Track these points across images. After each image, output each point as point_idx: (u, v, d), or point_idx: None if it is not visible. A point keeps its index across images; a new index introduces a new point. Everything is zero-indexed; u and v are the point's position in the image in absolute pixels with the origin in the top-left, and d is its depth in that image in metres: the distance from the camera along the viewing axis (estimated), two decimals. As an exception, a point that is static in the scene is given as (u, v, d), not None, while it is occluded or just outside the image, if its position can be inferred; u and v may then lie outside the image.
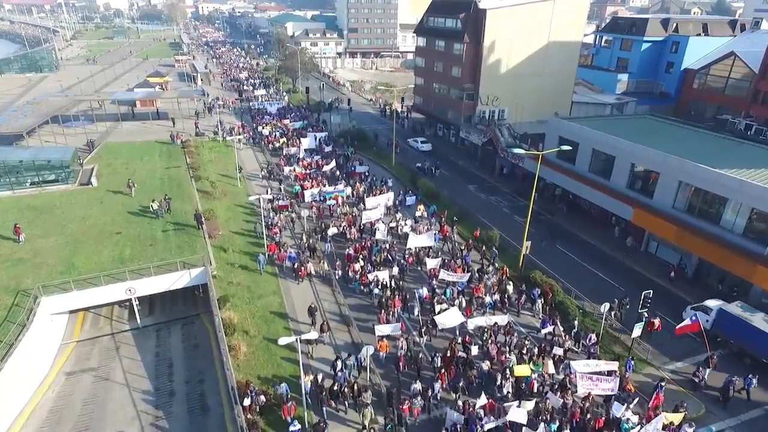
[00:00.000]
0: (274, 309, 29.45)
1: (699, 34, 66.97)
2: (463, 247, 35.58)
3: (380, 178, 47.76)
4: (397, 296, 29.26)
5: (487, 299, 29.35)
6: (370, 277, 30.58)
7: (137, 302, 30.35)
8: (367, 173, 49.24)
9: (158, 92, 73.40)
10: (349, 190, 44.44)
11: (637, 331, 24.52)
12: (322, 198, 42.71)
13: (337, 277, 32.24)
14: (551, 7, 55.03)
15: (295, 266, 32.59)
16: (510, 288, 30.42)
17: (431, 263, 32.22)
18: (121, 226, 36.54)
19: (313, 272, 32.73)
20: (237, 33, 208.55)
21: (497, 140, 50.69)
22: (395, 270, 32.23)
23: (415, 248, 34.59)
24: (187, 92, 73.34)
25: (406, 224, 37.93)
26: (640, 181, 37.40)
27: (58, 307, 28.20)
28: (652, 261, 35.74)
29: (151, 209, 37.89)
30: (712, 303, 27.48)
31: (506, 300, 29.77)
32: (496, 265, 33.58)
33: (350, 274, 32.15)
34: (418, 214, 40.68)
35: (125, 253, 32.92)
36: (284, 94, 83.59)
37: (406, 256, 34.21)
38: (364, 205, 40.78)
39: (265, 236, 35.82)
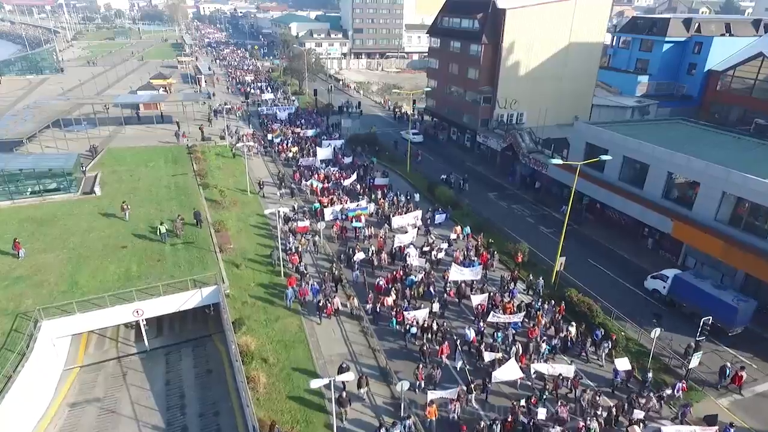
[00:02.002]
0: (293, 332, 27.32)
1: (723, 35, 64.77)
2: (509, 278, 31.54)
3: (405, 192, 43.96)
4: (445, 341, 25.50)
5: (544, 345, 25.30)
6: (407, 315, 26.57)
7: (145, 323, 28.30)
8: (387, 186, 45.61)
9: (163, 95, 71.33)
10: (372, 206, 40.70)
11: (695, 361, 22.37)
12: (344, 216, 38.92)
13: (367, 312, 28.51)
14: (572, 6, 52.90)
15: (320, 303, 28.39)
16: (572, 330, 26.28)
17: (477, 299, 28.31)
18: (127, 239, 34.40)
19: (340, 308, 28.86)
20: (239, 33, 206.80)
21: (518, 146, 48.52)
22: (435, 306, 28.40)
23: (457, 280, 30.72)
24: (192, 95, 71.20)
25: (441, 249, 34.47)
26: (678, 192, 35.28)
27: (59, 332, 26.07)
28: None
29: (158, 233, 33.68)
30: (669, 271, 30.79)
31: (569, 344, 25.98)
32: (552, 302, 28.95)
33: (381, 309, 28.32)
34: (453, 236, 36.74)
35: (132, 270, 30.79)
36: (293, 98, 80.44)
37: (447, 288, 30.51)
38: (390, 224, 37.43)
39: (281, 262, 32.13)
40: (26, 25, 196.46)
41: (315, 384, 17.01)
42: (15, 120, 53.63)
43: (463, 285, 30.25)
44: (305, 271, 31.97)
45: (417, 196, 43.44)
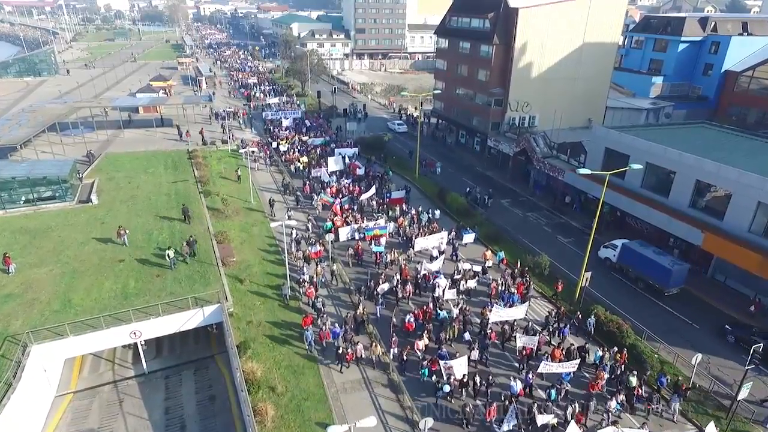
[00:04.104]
0: (302, 356, 25.40)
1: (740, 34, 62.81)
2: (554, 314, 27.94)
3: (427, 210, 39.60)
4: (493, 401, 21.41)
5: (614, 403, 21.28)
6: (443, 365, 22.62)
7: (143, 343, 26.47)
8: (406, 199, 41.85)
9: (163, 98, 69.41)
10: (391, 226, 37.02)
11: (744, 392, 20.47)
12: (361, 236, 35.59)
13: (393, 358, 24.57)
14: (587, 5, 50.98)
15: (339, 350, 24.34)
16: (633, 380, 22.56)
17: (523, 340, 24.47)
18: (124, 252, 32.54)
19: (363, 356, 24.85)
20: (240, 34, 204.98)
21: (532, 150, 46.58)
22: (475, 353, 24.45)
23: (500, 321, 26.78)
24: (193, 98, 69.33)
25: (473, 275, 30.78)
26: (706, 201, 33.37)
27: (51, 357, 24.23)
28: (722, 291, 31.61)
29: (167, 259, 30.47)
30: (618, 241, 33.94)
31: (633, 399, 22.08)
32: (615, 349, 24.53)
33: (411, 354, 24.40)
34: (489, 264, 32.96)
35: (129, 286, 28.94)
36: (298, 103, 76.97)
37: (488, 331, 26.15)
38: (413, 247, 33.96)
39: (293, 293, 29.65)
40: (25, 26, 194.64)
41: (333, 431, 15.00)
42: (9, 124, 51.78)
43: (506, 326, 26.47)
44: (322, 308, 28.25)
45: (437, 213, 39.79)
